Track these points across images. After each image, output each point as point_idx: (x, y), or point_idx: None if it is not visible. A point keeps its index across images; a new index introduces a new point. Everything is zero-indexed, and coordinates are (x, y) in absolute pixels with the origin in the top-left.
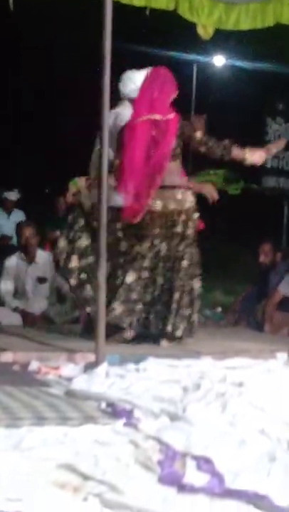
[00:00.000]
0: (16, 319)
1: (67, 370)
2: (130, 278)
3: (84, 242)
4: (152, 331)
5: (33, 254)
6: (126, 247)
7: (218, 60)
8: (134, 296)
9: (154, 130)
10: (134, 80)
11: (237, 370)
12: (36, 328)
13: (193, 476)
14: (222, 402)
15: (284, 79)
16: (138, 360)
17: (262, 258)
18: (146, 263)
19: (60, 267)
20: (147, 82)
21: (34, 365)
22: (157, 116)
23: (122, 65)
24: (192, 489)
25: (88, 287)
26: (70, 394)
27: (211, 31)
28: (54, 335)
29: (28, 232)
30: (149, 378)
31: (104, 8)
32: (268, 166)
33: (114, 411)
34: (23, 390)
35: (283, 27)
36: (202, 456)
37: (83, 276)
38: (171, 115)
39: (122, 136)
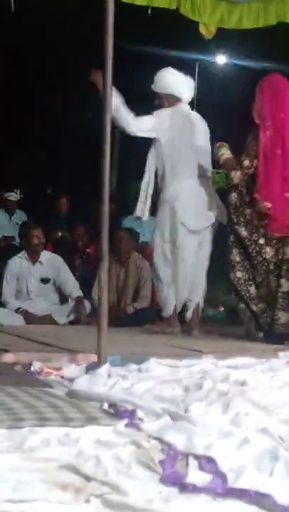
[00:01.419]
0: (18, 320)
1: (69, 370)
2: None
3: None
4: None
5: (37, 255)
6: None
7: (221, 59)
8: None
9: None
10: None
11: (239, 369)
12: (38, 328)
13: (196, 476)
14: (224, 402)
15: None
16: (140, 360)
17: None
18: None
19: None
20: None
21: (36, 366)
22: None
23: (124, 64)
24: (194, 489)
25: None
26: (72, 394)
27: (213, 30)
28: (56, 335)
29: (36, 233)
30: (151, 378)
31: (107, 7)
32: None
33: (116, 411)
34: (25, 391)
35: (286, 26)
36: (204, 455)
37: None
38: None
39: None
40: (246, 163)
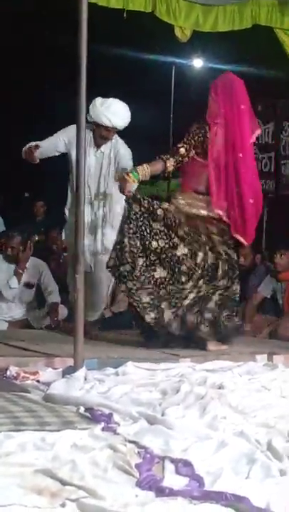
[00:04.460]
0: (2, 325)
1: (46, 375)
2: None
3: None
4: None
5: (22, 262)
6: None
7: (197, 62)
8: None
9: None
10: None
11: (217, 373)
12: (15, 333)
13: (172, 479)
14: (201, 405)
15: (262, 80)
16: (117, 364)
17: (241, 260)
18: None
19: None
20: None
21: (12, 371)
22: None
23: (98, 67)
24: (171, 492)
25: (145, 293)
26: (48, 399)
27: (188, 33)
28: (32, 339)
29: (14, 242)
30: (128, 382)
31: (80, 9)
32: None
33: (93, 415)
34: (1, 396)
35: (260, 28)
36: (181, 459)
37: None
38: None
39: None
40: (182, 150)
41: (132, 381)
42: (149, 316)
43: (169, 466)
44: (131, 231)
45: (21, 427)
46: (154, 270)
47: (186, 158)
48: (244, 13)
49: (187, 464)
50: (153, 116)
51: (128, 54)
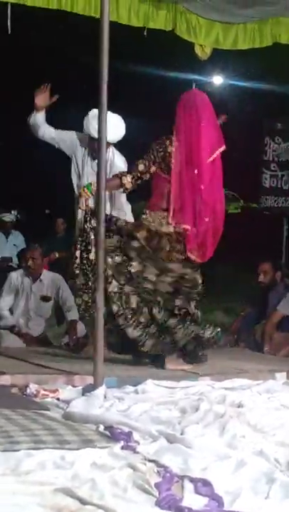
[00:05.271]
0: (17, 342)
1: (66, 392)
2: None
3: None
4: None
5: (38, 274)
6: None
7: (217, 80)
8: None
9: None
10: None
11: (236, 391)
12: (34, 350)
13: (191, 499)
14: (221, 424)
15: (283, 98)
16: (136, 382)
17: (261, 278)
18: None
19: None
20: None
21: (32, 388)
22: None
23: (120, 85)
24: None
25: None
26: (68, 417)
27: (208, 51)
28: (52, 357)
29: (33, 255)
30: (148, 400)
31: (102, 27)
32: (267, 185)
33: (113, 434)
34: (21, 414)
35: (281, 46)
36: (200, 478)
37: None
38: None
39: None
40: (141, 167)
41: (151, 399)
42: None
43: (189, 486)
44: (84, 243)
45: (41, 445)
46: (110, 283)
47: (147, 175)
48: (264, 31)
49: (206, 483)
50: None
51: (148, 71)
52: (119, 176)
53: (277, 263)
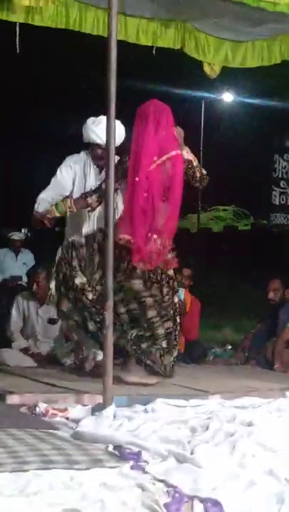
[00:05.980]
0: (28, 361)
1: (75, 412)
2: None
3: (79, 280)
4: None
5: (44, 297)
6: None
7: (226, 97)
8: None
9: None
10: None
11: (246, 410)
12: (43, 369)
13: None
14: (231, 443)
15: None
16: (146, 401)
17: (271, 295)
18: None
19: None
20: (147, 122)
21: (41, 407)
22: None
23: (128, 103)
24: None
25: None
26: (77, 436)
27: (217, 69)
28: (62, 375)
29: (41, 277)
30: (157, 419)
31: (109, 46)
32: (276, 202)
33: (122, 454)
34: (30, 433)
35: None
36: (210, 498)
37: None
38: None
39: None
40: (104, 185)
41: (161, 418)
42: None
43: (198, 506)
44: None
45: (50, 465)
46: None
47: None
48: (273, 48)
49: (216, 503)
50: None
51: (157, 90)
52: (84, 196)
53: (287, 280)
